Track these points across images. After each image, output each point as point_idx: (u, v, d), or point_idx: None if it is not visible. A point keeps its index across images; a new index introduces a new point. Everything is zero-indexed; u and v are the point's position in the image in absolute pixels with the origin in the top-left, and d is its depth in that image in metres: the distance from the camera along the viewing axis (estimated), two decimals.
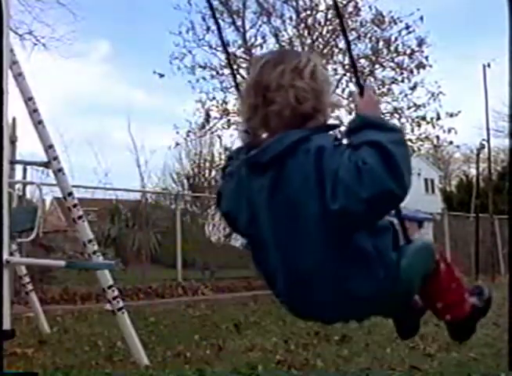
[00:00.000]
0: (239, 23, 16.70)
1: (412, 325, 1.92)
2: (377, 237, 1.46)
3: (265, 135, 1.53)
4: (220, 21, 16.55)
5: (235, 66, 16.91)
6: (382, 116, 1.53)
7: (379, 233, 1.47)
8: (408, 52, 16.02)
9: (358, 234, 1.42)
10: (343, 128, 1.51)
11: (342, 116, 16.83)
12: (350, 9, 16.09)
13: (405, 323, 1.89)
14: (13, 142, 6.78)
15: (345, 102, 16.78)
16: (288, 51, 1.57)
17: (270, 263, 1.54)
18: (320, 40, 16.47)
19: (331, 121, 1.56)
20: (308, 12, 16.43)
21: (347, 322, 1.82)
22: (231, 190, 1.61)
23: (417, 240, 1.63)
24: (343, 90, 16.74)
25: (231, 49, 16.44)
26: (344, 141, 1.46)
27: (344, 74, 16.78)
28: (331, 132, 1.52)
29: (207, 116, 16.86)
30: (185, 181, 14.01)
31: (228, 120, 16.92)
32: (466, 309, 1.80)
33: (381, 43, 16.27)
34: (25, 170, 7.89)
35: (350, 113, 16.78)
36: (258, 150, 1.49)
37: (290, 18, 16.49)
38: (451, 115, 16.17)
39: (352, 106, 16.66)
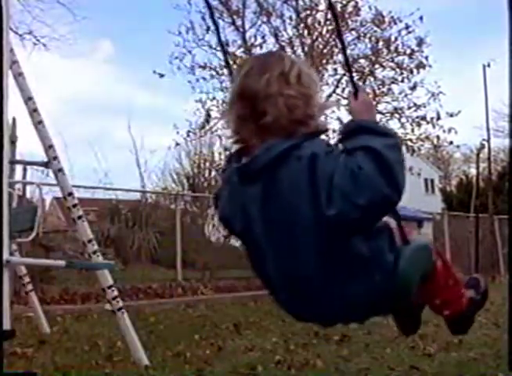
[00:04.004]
0: (239, 23, 16.71)
1: (413, 321, 1.91)
2: (373, 240, 1.45)
3: (256, 142, 1.49)
4: (220, 21, 16.58)
5: (234, 66, 16.95)
6: (377, 119, 1.53)
7: (374, 235, 1.46)
8: (408, 52, 16.01)
9: (353, 238, 1.42)
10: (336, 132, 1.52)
11: (342, 116, 16.88)
12: (350, 8, 16.10)
13: (406, 320, 1.89)
14: (13, 142, 6.77)
15: (345, 102, 16.82)
16: (270, 55, 1.53)
17: (267, 270, 1.54)
18: (320, 40, 16.46)
19: (322, 124, 1.54)
20: (308, 12, 16.43)
21: (347, 324, 1.83)
22: (225, 197, 1.61)
23: (415, 240, 1.61)
24: (343, 90, 16.74)
25: (231, 49, 16.45)
26: (338, 146, 1.46)
27: (344, 74, 16.78)
28: (323, 137, 1.50)
29: (207, 116, 16.87)
30: (185, 181, 13.99)
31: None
32: (464, 303, 1.83)
33: (381, 43, 16.26)
34: (25, 170, 7.90)
35: (350, 113, 16.82)
36: (248, 159, 1.47)
37: (290, 18, 16.48)
38: (451, 115, 16.17)
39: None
